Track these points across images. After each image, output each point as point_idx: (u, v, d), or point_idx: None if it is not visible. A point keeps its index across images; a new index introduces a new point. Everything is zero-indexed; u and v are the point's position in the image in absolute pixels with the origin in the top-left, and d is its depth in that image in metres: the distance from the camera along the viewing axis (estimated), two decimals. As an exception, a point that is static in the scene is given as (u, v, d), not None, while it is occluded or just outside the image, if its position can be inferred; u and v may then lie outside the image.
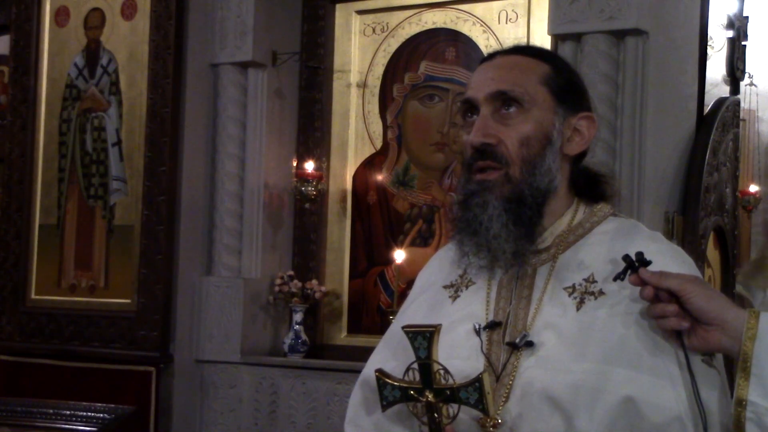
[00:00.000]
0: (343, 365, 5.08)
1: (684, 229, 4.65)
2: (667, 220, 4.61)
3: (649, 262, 1.78)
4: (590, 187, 2.02)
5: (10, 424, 5.26)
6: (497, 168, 1.91)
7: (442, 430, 1.77)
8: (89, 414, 5.17)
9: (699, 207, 4.77)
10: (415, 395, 1.77)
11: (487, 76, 1.98)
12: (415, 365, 1.77)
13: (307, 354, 5.29)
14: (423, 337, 1.74)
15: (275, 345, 5.41)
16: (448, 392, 1.74)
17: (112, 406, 5.17)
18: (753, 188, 6.80)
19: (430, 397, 1.76)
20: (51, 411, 5.25)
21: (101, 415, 5.15)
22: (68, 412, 5.21)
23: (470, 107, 1.97)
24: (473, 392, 1.72)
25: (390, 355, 1.99)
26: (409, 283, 5.17)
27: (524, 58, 2.00)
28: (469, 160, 1.95)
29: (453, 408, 1.76)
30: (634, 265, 1.78)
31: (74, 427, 5.16)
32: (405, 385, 1.79)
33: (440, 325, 1.76)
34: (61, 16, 5.69)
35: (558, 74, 1.98)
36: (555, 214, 1.97)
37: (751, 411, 1.72)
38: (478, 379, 1.72)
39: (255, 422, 5.25)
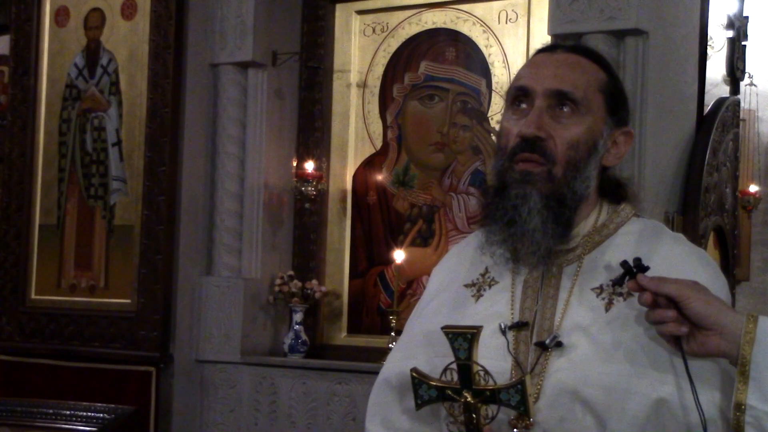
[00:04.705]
0: (343, 365, 5.08)
1: (684, 229, 4.65)
2: (667, 220, 4.61)
3: (647, 268, 1.78)
4: (613, 188, 2.03)
5: (10, 424, 5.26)
6: (541, 163, 1.91)
7: (480, 430, 1.77)
8: (89, 414, 5.17)
9: (699, 207, 4.77)
10: (453, 395, 1.78)
11: (549, 71, 1.95)
12: (454, 365, 1.77)
13: (307, 354, 5.29)
14: (464, 339, 1.75)
15: (275, 345, 5.41)
16: (488, 393, 1.75)
17: (112, 406, 5.17)
18: (753, 188, 6.80)
19: (469, 397, 1.76)
20: (51, 411, 5.25)
21: (101, 415, 5.15)
22: (68, 412, 5.21)
23: (522, 95, 1.96)
24: (515, 394, 1.73)
25: (411, 352, 1.99)
26: (410, 284, 5.22)
27: (587, 61, 1.99)
28: (513, 149, 1.93)
29: (492, 409, 1.76)
30: (632, 271, 1.78)
31: (74, 427, 5.16)
32: (442, 385, 1.79)
33: (481, 327, 1.77)
34: (61, 16, 5.69)
35: (613, 84, 2.00)
36: (581, 216, 1.97)
37: (751, 415, 1.73)
38: (521, 381, 1.73)
39: (255, 422, 5.25)
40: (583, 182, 1.93)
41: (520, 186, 1.90)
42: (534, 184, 1.90)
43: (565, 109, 1.92)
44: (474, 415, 1.77)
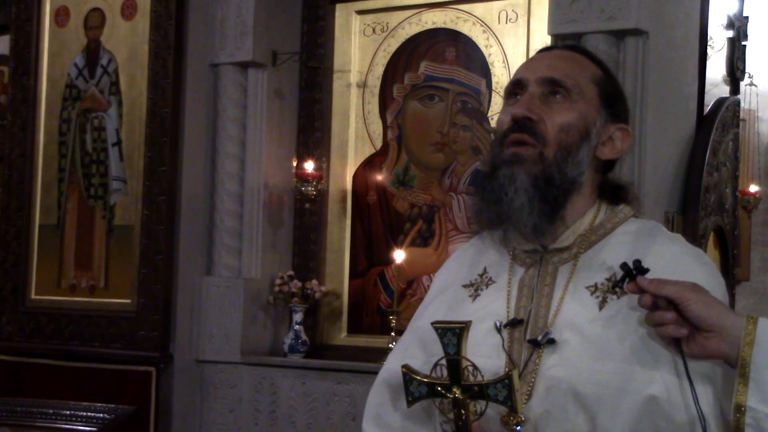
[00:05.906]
0: (343, 365, 5.08)
1: (684, 229, 4.65)
2: (667, 220, 4.61)
3: (646, 270, 1.78)
4: (613, 190, 2.05)
5: (10, 424, 5.26)
6: (532, 145, 1.93)
7: (468, 426, 1.77)
8: (89, 414, 5.17)
9: (699, 207, 4.77)
10: (442, 391, 1.77)
11: (543, 63, 2.01)
12: (443, 361, 1.77)
13: (307, 354, 5.29)
14: (452, 333, 1.74)
15: (275, 345, 5.41)
16: (476, 389, 1.75)
17: (112, 406, 5.16)
18: (753, 188, 6.81)
19: (458, 393, 1.76)
20: (51, 411, 5.24)
21: (101, 415, 5.15)
22: (68, 412, 5.21)
23: (517, 87, 2.00)
24: (502, 389, 1.72)
25: (409, 353, 2.00)
26: (410, 284, 5.22)
27: (583, 57, 2.05)
28: (505, 132, 1.96)
29: (480, 404, 1.76)
30: (632, 273, 1.78)
31: (74, 427, 5.16)
32: (432, 381, 1.79)
33: (470, 321, 1.76)
34: (61, 16, 5.68)
35: (609, 80, 2.04)
36: (577, 213, 1.98)
37: (751, 417, 1.73)
38: (508, 376, 1.72)
39: (255, 422, 5.25)
40: (575, 167, 1.94)
41: (509, 167, 1.93)
42: (523, 165, 1.92)
43: (557, 96, 1.96)
44: (463, 411, 1.76)
